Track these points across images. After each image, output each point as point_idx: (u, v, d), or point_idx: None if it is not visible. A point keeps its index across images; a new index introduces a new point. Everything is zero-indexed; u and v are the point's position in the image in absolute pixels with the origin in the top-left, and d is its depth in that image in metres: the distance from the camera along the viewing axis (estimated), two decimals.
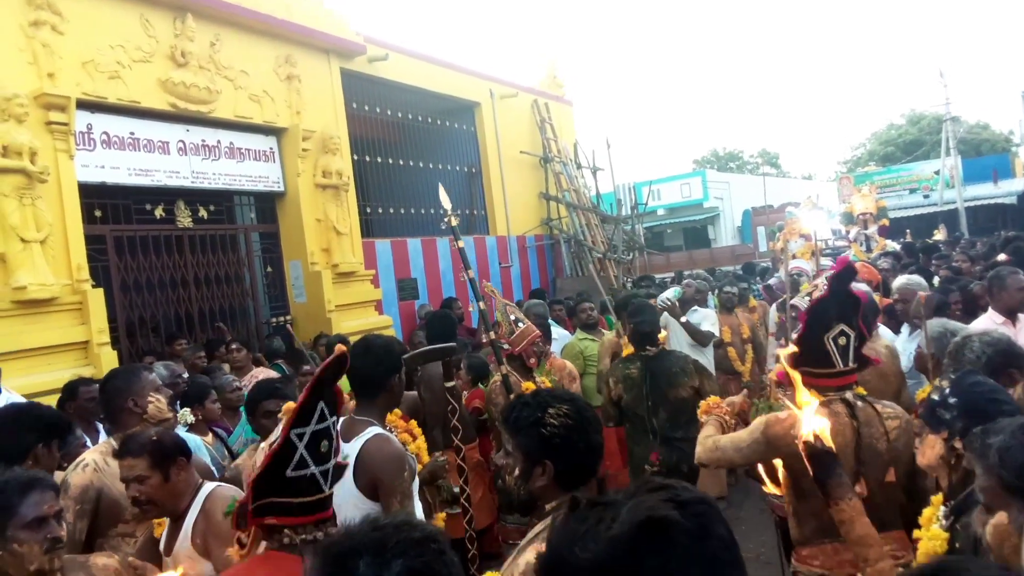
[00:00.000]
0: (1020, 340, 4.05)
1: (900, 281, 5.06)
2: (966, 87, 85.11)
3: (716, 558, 0.94)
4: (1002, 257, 6.94)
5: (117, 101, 6.65)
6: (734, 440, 2.86)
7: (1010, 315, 4.23)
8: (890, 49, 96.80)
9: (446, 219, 4.07)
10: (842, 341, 2.75)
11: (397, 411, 3.31)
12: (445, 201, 4.14)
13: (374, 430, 2.69)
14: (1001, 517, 1.83)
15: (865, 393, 2.91)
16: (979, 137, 40.03)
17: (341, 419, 2.39)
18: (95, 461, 2.85)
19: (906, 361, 4.29)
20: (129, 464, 2.48)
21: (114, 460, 2.66)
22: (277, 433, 2.67)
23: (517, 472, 2.02)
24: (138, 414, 2.95)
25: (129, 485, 2.49)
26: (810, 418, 1.96)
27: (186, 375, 5.25)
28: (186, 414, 4.09)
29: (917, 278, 5.20)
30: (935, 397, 2.20)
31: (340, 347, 2.12)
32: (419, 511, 2.78)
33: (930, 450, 2.17)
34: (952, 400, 2.12)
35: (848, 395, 2.80)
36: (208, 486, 2.62)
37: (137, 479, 2.47)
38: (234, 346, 6.38)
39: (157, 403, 2.98)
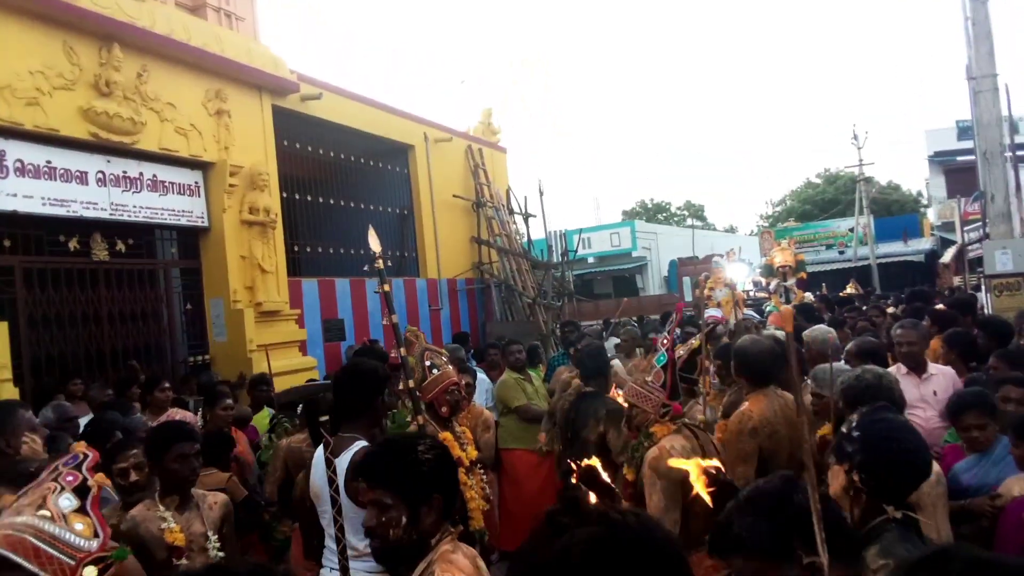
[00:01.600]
0: (921, 390, 4.24)
1: (811, 331, 5.23)
2: (877, 149, 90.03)
3: None
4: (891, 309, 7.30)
5: (34, 128, 6.41)
6: (657, 511, 2.97)
7: (915, 367, 4.40)
8: (808, 109, 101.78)
9: (374, 262, 4.00)
10: None
11: None
12: (374, 243, 4.05)
13: (360, 443, 2.89)
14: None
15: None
16: (890, 198, 42.21)
17: (332, 439, 2.64)
18: None
19: None
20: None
21: None
22: None
23: (404, 521, 1.97)
24: (10, 455, 2.75)
25: None
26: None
27: (84, 417, 4.96)
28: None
29: (824, 327, 5.40)
30: (844, 430, 2.28)
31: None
32: None
33: (835, 480, 2.23)
34: (855, 434, 2.19)
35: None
36: None
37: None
38: (167, 385, 5.89)
39: (32, 443, 2.77)
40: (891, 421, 2.22)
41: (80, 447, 2.21)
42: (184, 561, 2.91)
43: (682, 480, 2.53)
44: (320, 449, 2.95)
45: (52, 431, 3.84)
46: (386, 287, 3.77)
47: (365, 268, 3.78)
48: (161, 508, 2.95)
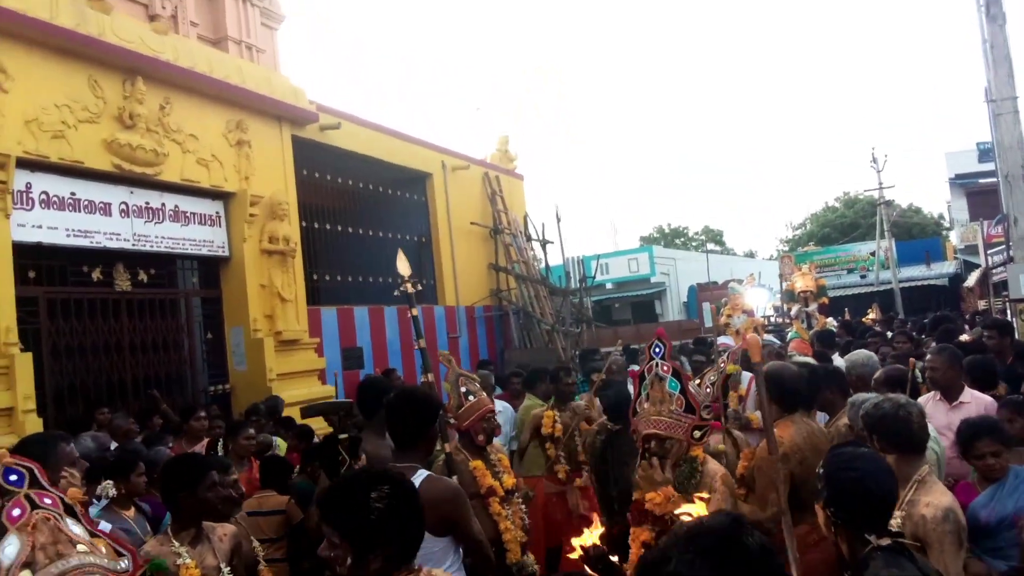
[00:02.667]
0: (950, 417, 4.16)
1: (852, 356, 5.18)
2: (897, 171, 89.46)
3: None
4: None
5: (59, 161, 6.52)
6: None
7: (945, 393, 4.33)
8: (826, 132, 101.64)
9: (402, 286, 3.97)
10: None
11: None
12: (404, 268, 4.02)
13: (423, 473, 2.96)
14: None
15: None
16: (911, 221, 41.91)
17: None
18: None
19: None
20: None
21: None
22: None
23: (349, 562, 1.94)
24: None
25: None
26: None
27: (113, 445, 4.99)
28: (108, 487, 3.84)
29: (866, 352, 5.34)
30: (819, 469, 2.34)
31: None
32: None
33: (820, 518, 2.32)
34: (820, 471, 2.30)
35: None
36: None
37: None
38: (203, 414, 5.90)
39: (70, 478, 2.75)
40: (850, 453, 2.30)
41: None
42: None
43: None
44: None
45: (91, 461, 3.84)
46: (415, 311, 3.77)
47: (396, 293, 3.80)
48: (175, 543, 2.93)
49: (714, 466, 3.18)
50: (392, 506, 1.95)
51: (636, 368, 4.26)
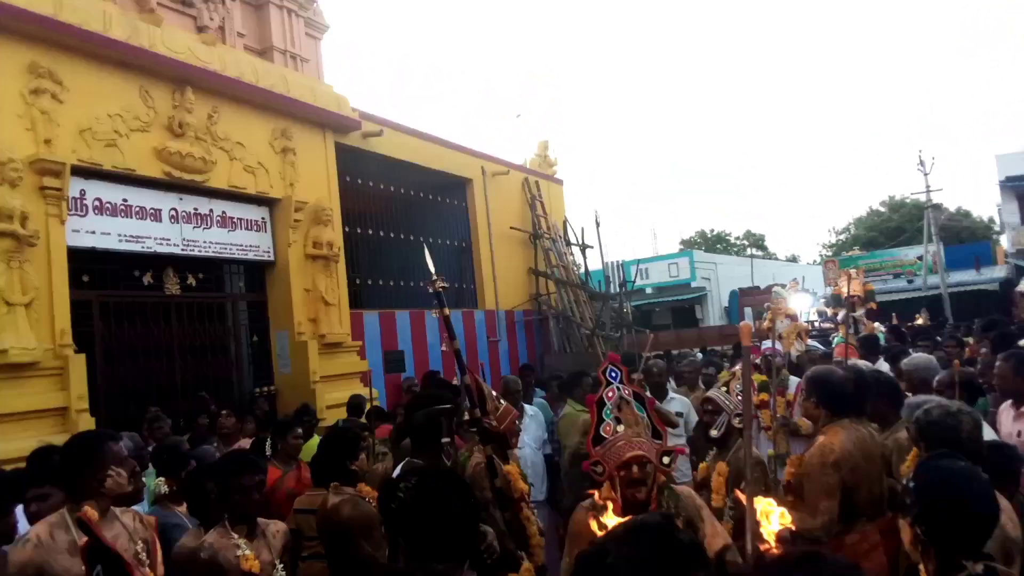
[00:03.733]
0: (1017, 424, 4.05)
1: (911, 359, 5.06)
2: (945, 174, 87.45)
3: None
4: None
5: (112, 168, 6.71)
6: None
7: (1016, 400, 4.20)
8: (869, 135, 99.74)
9: (432, 283, 3.95)
10: None
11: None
12: (430, 263, 4.04)
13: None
14: None
15: None
16: (959, 224, 40.86)
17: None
18: (38, 536, 2.71)
19: None
20: None
21: (62, 534, 2.55)
22: None
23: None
24: (95, 488, 2.80)
25: None
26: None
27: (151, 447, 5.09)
28: (160, 484, 3.96)
29: (926, 355, 5.23)
30: (904, 481, 2.20)
31: None
32: None
33: (904, 535, 2.14)
34: (910, 484, 2.11)
35: None
36: None
37: None
38: (299, 431, 5.70)
39: (116, 477, 2.81)
40: (946, 468, 2.10)
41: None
42: None
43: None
44: None
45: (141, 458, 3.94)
46: (446, 311, 3.72)
47: (429, 288, 3.76)
48: (234, 535, 3.00)
49: (687, 494, 3.10)
50: (414, 498, 2.05)
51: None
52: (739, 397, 3.61)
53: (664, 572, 1.42)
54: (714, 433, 3.55)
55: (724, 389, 4.29)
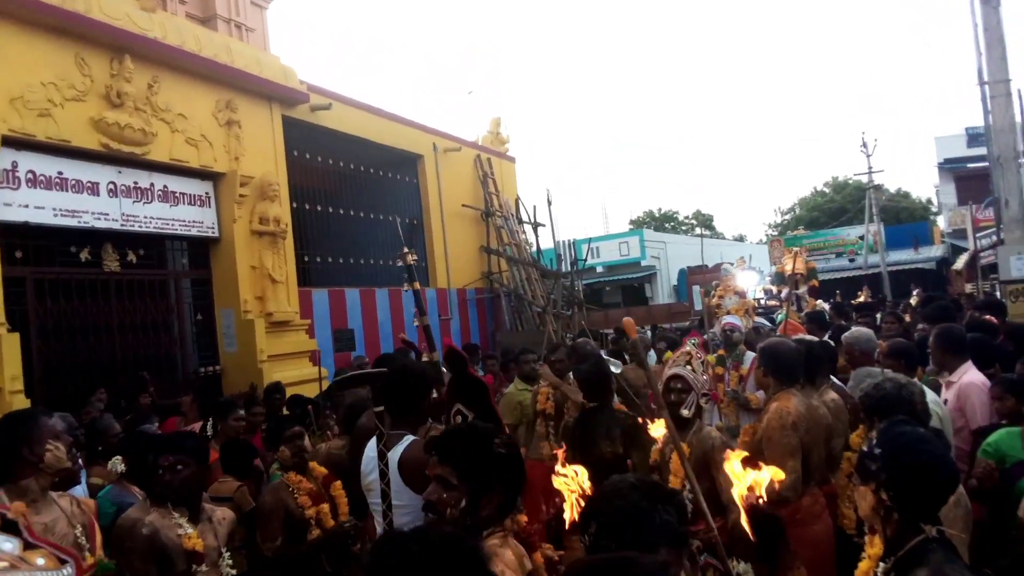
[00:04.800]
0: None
1: (851, 333, 5.17)
2: (887, 156, 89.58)
3: None
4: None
5: (46, 139, 6.43)
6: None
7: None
8: (814, 116, 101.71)
9: (402, 256, 3.89)
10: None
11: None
12: (402, 237, 4.01)
13: (409, 438, 2.98)
14: None
15: None
16: (899, 205, 42.02)
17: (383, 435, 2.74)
18: None
19: None
20: None
21: None
22: None
23: (463, 504, 2.02)
24: (34, 463, 2.70)
25: None
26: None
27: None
28: (117, 463, 3.86)
29: (865, 329, 5.37)
30: (864, 448, 2.18)
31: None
32: None
33: (863, 502, 2.13)
34: (876, 451, 2.09)
35: None
36: None
37: None
38: (242, 413, 5.22)
39: (55, 451, 2.71)
40: (911, 433, 2.11)
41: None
42: (204, 568, 2.88)
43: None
44: (373, 442, 2.92)
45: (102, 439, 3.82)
46: (416, 285, 3.74)
47: (399, 263, 3.76)
48: (175, 515, 2.92)
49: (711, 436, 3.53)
50: (511, 454, 2.10)
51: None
52: (705, 376, 3.70)
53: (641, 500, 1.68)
54: (685, 413, 3.55)
55: (690, 368, 4.32)
